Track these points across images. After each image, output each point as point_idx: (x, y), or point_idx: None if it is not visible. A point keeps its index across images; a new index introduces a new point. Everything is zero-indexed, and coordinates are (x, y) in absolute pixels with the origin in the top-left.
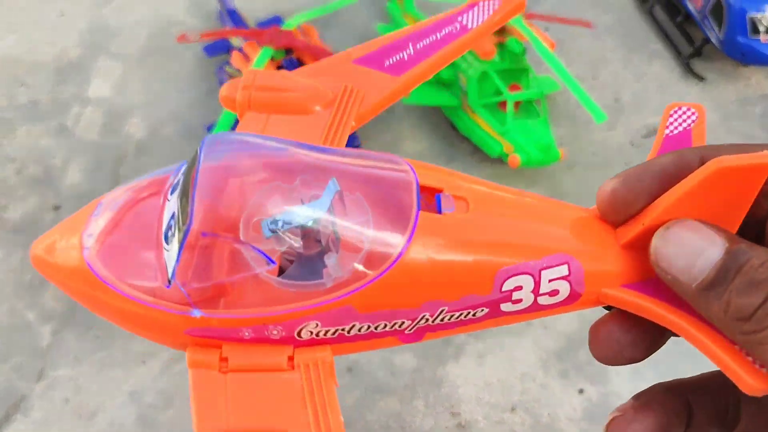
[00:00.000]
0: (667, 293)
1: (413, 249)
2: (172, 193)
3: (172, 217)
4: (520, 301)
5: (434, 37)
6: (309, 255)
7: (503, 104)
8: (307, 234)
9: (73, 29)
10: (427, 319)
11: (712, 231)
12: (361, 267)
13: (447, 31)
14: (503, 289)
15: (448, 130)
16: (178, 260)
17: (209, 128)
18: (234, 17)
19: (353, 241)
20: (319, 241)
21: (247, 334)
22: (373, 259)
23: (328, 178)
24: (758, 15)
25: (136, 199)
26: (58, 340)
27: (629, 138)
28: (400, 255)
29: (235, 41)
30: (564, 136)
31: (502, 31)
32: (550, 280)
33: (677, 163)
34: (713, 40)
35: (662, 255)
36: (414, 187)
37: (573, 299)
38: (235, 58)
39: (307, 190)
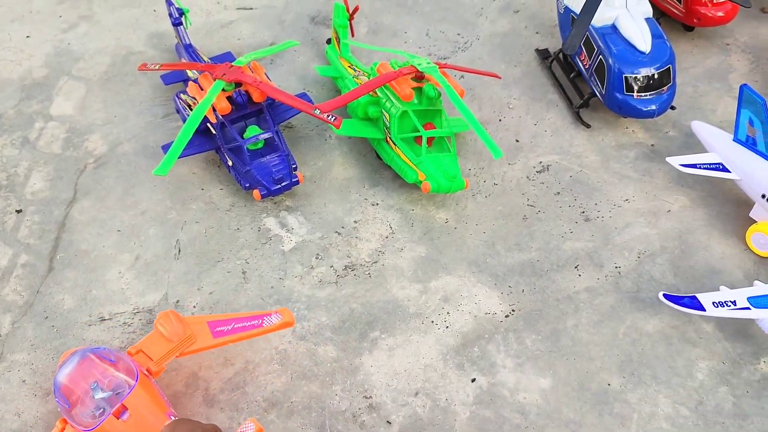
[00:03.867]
0: None
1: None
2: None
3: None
4: None
5: (242, 324)
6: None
7: (419, 139)
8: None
9: (39, 51)
10: None
11: None
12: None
13: (249, 323)
14: None
15: (373, 159)
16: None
17: (165, 148)
18: (190, 51)
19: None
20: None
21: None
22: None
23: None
24: (632, 75)
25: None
26: (17, 329)
27: (525, 173)
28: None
29: (191, 73)
30: (471, 169)
31: (420, 78)
32: None
33: None
34: (597, 94)
35: None
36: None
37: None
38: (191, 87)
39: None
